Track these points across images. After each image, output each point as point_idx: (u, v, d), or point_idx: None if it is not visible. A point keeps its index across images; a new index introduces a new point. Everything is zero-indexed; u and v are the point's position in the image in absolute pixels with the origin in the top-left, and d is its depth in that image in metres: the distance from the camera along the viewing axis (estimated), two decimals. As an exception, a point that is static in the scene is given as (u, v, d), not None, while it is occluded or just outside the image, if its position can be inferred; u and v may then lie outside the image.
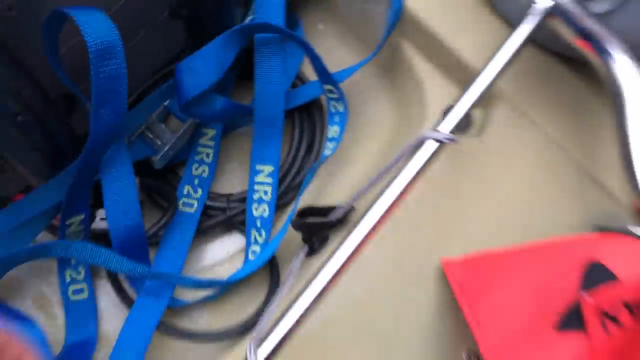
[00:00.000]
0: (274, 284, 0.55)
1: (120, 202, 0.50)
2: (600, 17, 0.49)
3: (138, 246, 0.52)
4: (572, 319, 0.42)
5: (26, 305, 0.56)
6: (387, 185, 0.43)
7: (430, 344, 0.51)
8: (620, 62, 0.47)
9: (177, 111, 0.56)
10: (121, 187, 0.50)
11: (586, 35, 0.47)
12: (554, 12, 0.47)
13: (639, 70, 0.46)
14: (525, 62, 0.57)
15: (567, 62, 0.58)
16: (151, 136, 0.56)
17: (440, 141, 0.44)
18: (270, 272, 0.56)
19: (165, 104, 0.56)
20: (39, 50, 0.43)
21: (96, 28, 0.41)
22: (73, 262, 0.54)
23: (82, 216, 0.52)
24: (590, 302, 0.41)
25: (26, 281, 0.56)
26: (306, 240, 0.54)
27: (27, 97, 0.41)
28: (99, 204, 0.52)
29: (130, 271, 0.49)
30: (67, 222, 0.51)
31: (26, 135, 0.44)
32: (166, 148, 0.55)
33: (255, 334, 0.39)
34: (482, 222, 0.53)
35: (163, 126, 0.56)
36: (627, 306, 0.42)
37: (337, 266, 0.41)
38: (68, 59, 0.46)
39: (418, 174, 0.44)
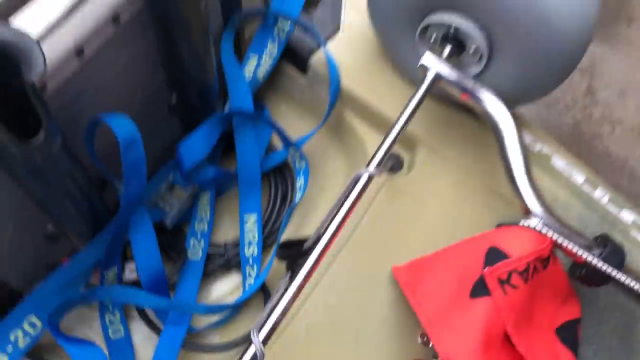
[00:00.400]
0: (267, 294, 0.71)
1: (146, 255, 0.66)
2: (474, 77, 0.68)
3: (161, 288, 0.68)
4: (481, 288, 0.58)
5: (76, 347, 0.71)
6: (337, 212, 0.60)
7: (391, 332, 0.66)
8: (492, 104, 0.65)
9: (180, 181, 0.73)
10: (146, 243, 0.66)
11: (464, 90, 0.66)
12: (438, 77, 0.66)
13: (504, 108, 0.65)
14: (434, 113, 0.77)
15: (464, 110, 0.76)
16: (162, 204, 0.72)
17: (370, 175, 0.61)
18: (263, 295, 0.71)
19: (170, 178, 0.73)
20: (83, 146, 0.60)
21: (123, 127, 0.58)
22: (110, 308, 0.69)
23: (115, 269, 0.68)
24: (489, 273, 0.58)
25: (74, 328, 0.70)
26: (289, 266, 0.70)
27: (78, 179, 0.58)
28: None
29: (158, 305, 0.65)
30: (105, 276, 0.67)
31: (78, 210, 0.61)
32: (174, 212, 0.72)
33: (255, 325, 0.54)
34: (418, 235, 0.70)
35: (170, 195, 0.73)
36: (517, 273, 0.59)
37: (306, 272, 0.57)
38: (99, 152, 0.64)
39: (356, 200, 0.60)
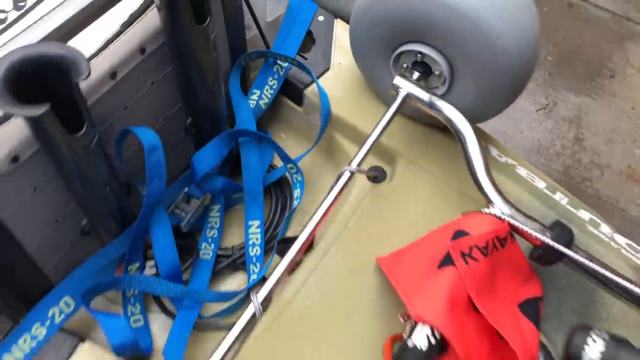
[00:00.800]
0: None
1: (164, 249, 0.77)
2: (440, 96, 0.80)
3: (177, 279, 0.78)
4: (446, 260, 0.68)
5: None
6: (323, 202, 0.71)
7: (376, 313, 0.75)
8: (454, 115, 0.77)
9: (194, 193, 0.84)
10: (164, 239, 0.77)
11: (430, 105, 0.78)
12: (409, 96, 0.78)
13: (466, 120, 0.77)
14: (411, 132, 0.88)
15: (436, 129, 0.88)
16: (178, 211, 0.83)
17: (352, 172, 0.72)
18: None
19: (185, 190, 0.85)
20: (113, 154, 0.72)
21: (148, 135, 0.70)
22: (132, 300, 0.79)
23: (137, 264, 0.78)
24: (453, 246, 0.67)
25: (101, 319, 0.80)
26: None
27: (109, 177, 0.70)
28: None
29: (174, 292, 0.75)
30: (128, 269, 0.77)
31: (108, 208, 0.72)
32: (188, 217, 0.83)
33: (255, 289, 0.64)
34: (398, 232, 0.80)
35: (186, 204, 0.84)
36: (478, 248, 0.68)
37: (297, 248, 0.67)
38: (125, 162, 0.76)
39: (340, 193, 0.71)
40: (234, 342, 0.60)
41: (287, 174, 0.90)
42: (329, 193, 0.71)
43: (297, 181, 0.87)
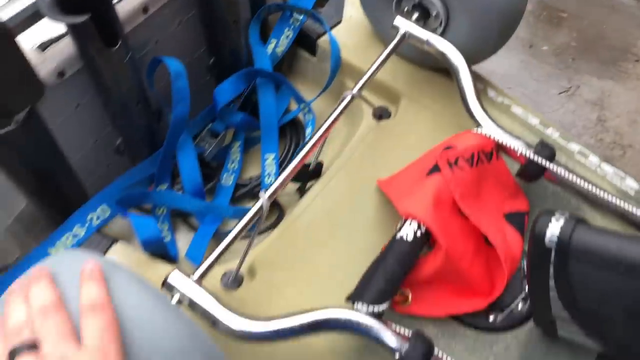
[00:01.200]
0: (281, 212, 0.89)
1: (189, 169, 0.86)
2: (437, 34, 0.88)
3: (200, 197, 0.87)
4: (434, 169, 0.75)
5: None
6: (325, 121, 0.79)
7: (375, 226, 0.82)
8: (447, 49, 0.85)
9: (217, 128, 0.94)
10: (189, 160, 0.86)
11: (428, 43, 0.86)
12: (407, 34, 0.86)
13: (457, 50, 0.84)
14: (413, 74, 0.96)
15: (435, 70, 0.96)
16: (202, 143, 0.93)
17: (352, 96, 0.80)
18: (278, 213, 0.90)
19: (209, 127, 0.95)
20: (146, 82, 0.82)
21: (174, 64, 0.80)
22: (161, 219, 0.89)
23: (166, 185, 0.88)
24: (440, 156, 0.74)
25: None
26: (301, 186, 0.89)
27: (142, 102, 0.80)
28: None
29: (199, 207, 0.84)
30: (157, 189, 0.87)
31: (141, 128, 0.83)
32: (211, 148, 0.92)
33: (262, 190, 0.72)
34: (400, 161, 0.87)
35: (209, 137, 0.94)
36: (464, 159, 0.75)
37: (299, 158, 0.75)
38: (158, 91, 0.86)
39: (340, 114, 0.79)
40: (243, 228, 0.69)
41: (301, 115, 0.99)
42: (331, 114, 0.79)
43: (309, 120, 0.96)
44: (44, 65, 0.70)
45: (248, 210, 0.86)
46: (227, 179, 0.93)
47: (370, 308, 0.64)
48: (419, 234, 0.70)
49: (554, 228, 0.59)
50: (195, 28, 0.88)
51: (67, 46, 0.71)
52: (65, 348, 0.42)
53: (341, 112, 0.80)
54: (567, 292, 0.61)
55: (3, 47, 0.61)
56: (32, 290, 0.45)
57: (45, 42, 0.72)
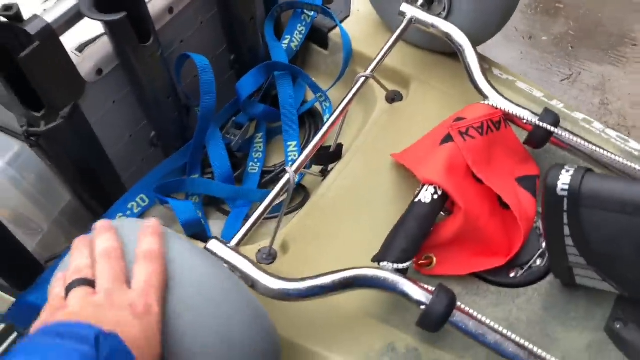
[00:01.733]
0: (307, 194, 0.94)
1: (219, 158, 0.91)
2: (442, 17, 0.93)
3: (230, 183, 0.92)
4: (447, 139, 0.79)
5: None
6: (341, 102, 0.84)
7: (393, 200, 0.86)
8: (452, 31, 0.89)
9: (241, 120, 0.99)
10: (218, 150, 0.92)
11: (433, 25, 0.91)
12: (413, 19, 0.91)
13: (461, 32, 0.89)
14: (422, 59, 1.01)
15: (442, 55, 1.00)
16: (228, 135, 0.98)
17: (366, 77, 0.85)
18: (304, 194, 0.94)
19: (233, 120, 1.00)
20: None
21: (200, 59, 0.86)
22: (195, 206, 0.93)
23: (198, 175, 0.93)
24: (452, 127, 0.79)
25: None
26: (322, 170, 0.94)
27: (173, 96, 0.85)
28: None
29: (229, 192, 0.89)
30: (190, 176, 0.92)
31: (171, 122, 0.88)
32: (237, 138, 0.97)
33: (289, 164, 0.77)
34: (412, 138, 0.91)
35: (234, 129, 0.99)
36: (474, 128, 0.80)
37: (320, 135, 0.80)
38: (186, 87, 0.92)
39: (355, 95, 0.84)
40: (273, 200, 0.74)
41: (318, 105, 1.04)
42: (346, 95, 0.84)
43: (326, 107, 1.01)
44: (83, 64, 0.76)
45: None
46: (253, 167, 0.98)
47: (395, 266, 0.68)
48: (436, 196, 0.75)
49: (565, 178, 0.64)
50: (215, 27, 0.94)
51: (103, 46, 0.77)
52: (113, 286, 0.47)
53: (356, 93, 0.85)
54: (581, 238, 0.65)
55: (51, 47, 0.67)
56: (97, 239, 0.50)
57: (82, 44, 0.78)
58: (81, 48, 0.77)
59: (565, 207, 0.64)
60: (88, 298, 0.46)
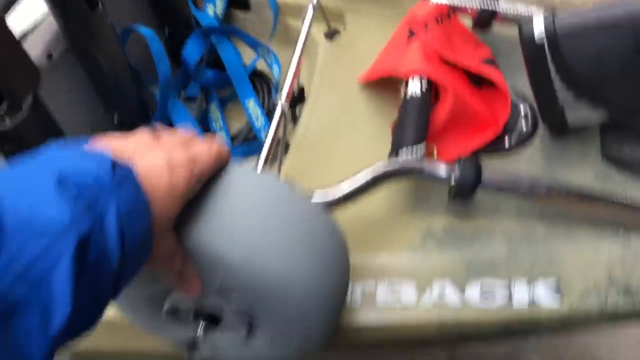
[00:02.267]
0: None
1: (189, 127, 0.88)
2: None
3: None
4: (411, 34, 0.82)
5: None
6: (298, 39, 0.84)
7: (375, 117, 0.87)
8: None
9: (191, 93, 0.96)
10: (188, 119, 0.88)
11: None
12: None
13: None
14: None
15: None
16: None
17: (314, 7, 0.86)
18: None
19: (184, 94, 0.96)
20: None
21: (144, 30, 0.82)
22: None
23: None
24: (410, 22, 0.82)
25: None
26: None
27: (125, 64, 0.80)
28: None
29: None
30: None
31: (135, 103, 0.83)
32: (194, 113, 0.94)
33: (279, 96, 0.76)
34: (367, 62, 0.93)
35: (187, 103, 0.95)
36: (430, 20, 0.83)
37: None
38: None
39: (310, 27, 0.85)
40: (274, 134, 0.72)
41: (263, 63, 1.03)
42: (302, 27, 0.85)
43: (271, 60, 1.00)
44: (32, 50, 0.70)
45: (254, 150, 0.88)
46: (220, 135, 0.95)
47: (413, 149, 0.70)
48: (424, 87, 0.77)
49: (539, 25, 0.69)
50: (145, 4, 0.90)
51: (49, 27, 0.71)
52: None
53: (310, 24, 0.85)
54: (567, 74, 0.70)
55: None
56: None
57: (24, 31, 0.72)
58: (25, 34, 0.71)
59: (547, 50, 0.69)
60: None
